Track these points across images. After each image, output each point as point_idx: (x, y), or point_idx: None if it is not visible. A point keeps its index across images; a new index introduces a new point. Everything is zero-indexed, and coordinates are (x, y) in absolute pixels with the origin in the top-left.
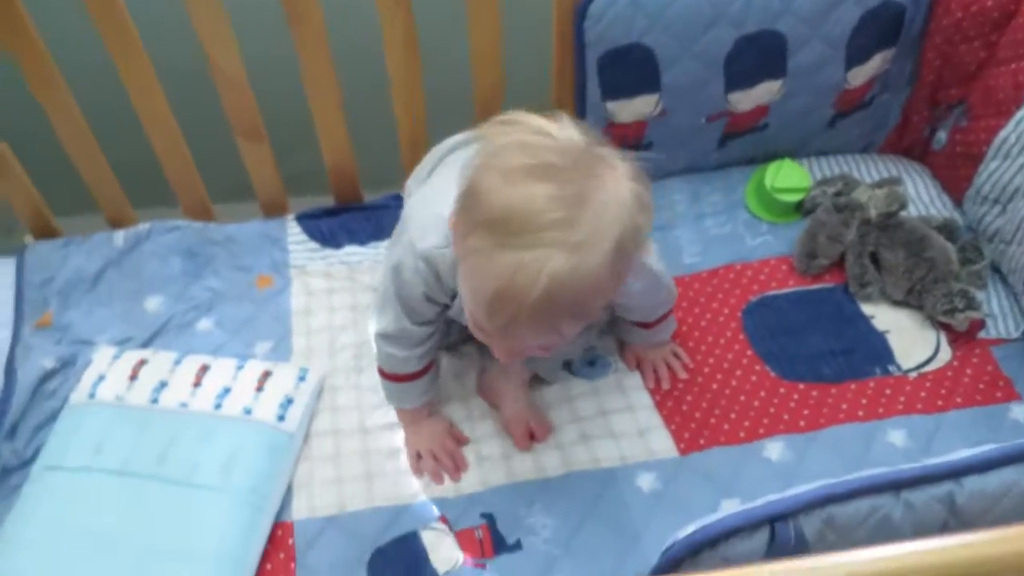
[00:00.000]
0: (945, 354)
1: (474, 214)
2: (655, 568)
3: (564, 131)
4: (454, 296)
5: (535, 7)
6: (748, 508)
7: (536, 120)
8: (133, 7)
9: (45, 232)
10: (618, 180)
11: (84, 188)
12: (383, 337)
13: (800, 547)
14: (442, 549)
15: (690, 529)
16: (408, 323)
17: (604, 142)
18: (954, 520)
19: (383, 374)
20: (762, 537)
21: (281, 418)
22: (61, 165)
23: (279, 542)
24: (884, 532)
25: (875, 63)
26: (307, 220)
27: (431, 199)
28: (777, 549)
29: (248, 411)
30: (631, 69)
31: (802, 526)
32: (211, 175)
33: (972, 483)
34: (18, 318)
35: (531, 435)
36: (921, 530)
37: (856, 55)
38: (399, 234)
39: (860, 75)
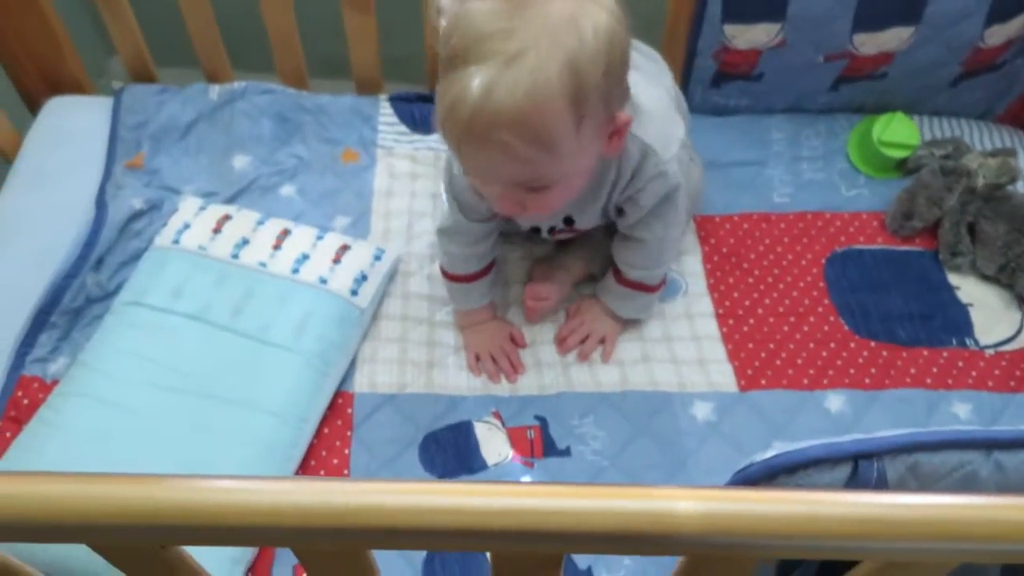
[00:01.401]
0: None
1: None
2: (727, 484)
3: None
4: None
5: None
6: (835, 441)
7: None
8: None
9: (143, 78)
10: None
11: (186, 40)
12: (443, 233)
13: (880, 488)
14: (493, 442)
15: (770, 453)
16: (462, 218)
17: None
18: None
19: (445, 274)
20: (843, 472)
21: (354, 292)
22: (168, 15)
23: (339, 409)
24: (968, 488)
25: (1017, 24)
26: (400, 103)
27: None
28: (857, 487)
29: (324, 280)
30: None
31: (886, 468)
32: (312, 47)
33: None
34: (111, 156)
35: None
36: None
37: (1000, 11)
38: None
39: (998, 34)
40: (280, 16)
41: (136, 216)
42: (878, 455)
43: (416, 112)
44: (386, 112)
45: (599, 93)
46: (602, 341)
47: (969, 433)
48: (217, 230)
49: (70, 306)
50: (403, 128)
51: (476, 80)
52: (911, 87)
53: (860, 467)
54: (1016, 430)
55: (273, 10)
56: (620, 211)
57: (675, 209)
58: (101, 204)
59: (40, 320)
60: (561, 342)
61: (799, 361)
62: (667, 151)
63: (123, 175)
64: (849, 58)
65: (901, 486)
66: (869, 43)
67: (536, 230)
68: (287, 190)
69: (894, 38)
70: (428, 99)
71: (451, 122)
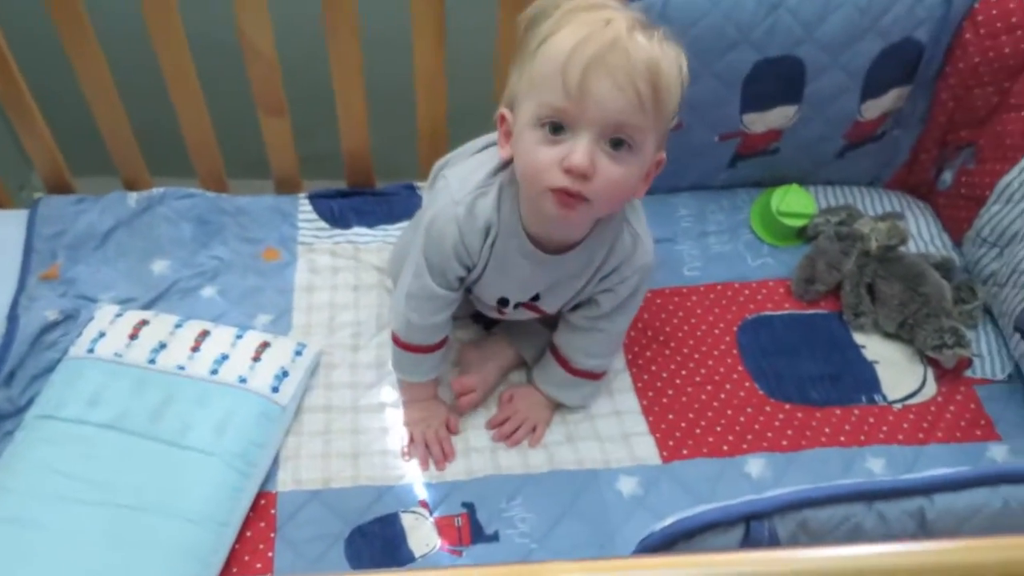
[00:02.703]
0: (930, 389)
1: (530, 43)
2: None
3: None
4: (473, 267)
5: None
6: (726, 504)
7: None
8: None
9: (60, 189)
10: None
11: (103, 150)
12: (410, 298)
13: (772, 547)
14: (421, 532)
15: (668, 521)
16: (431, 282)
17: None
18: (923, 535)
19: (397, 342)
20: (737, 534)
21: (275, 389)
22: (83, 125)
23: (262, 511)
24: (855, 540)
25: (890, 98)
26: (319, 199)
27: (473, 168)
28: (750, 547)
29: (243, 380)
30: None
31: (776, 527)
32: (230, 149)
33: (943, 500)
34: (25, 268)
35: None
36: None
37: (872, 88)
38: (425, 208)
39: (874, 108)
40: (196, 122)
41: (50, 327)
42: (768, 515)
43: (335, 207)
44: (305, 209)
45: (672, 114)
46: (534, 428)
47: (851, 486)
48: (134, 336)
49: None
50: (323, 224)
51: (619, 18)
52: (802, 160)
53: (752, 528)
54: (894, 480)
55: (189, 116)
56: (591, 302)
57: (639, 301)
58: (13, 317)
59: None
60: (495, 429)
61: (718, 428)
62: (650, 243)
63: (36, 287)
64: (742, 137)
65: (793, 543)
66: (758, 122)
67: (504, 302)
68: (208, 291)
69: (780, 116)
70: (346, 195)
71: (586, 45)
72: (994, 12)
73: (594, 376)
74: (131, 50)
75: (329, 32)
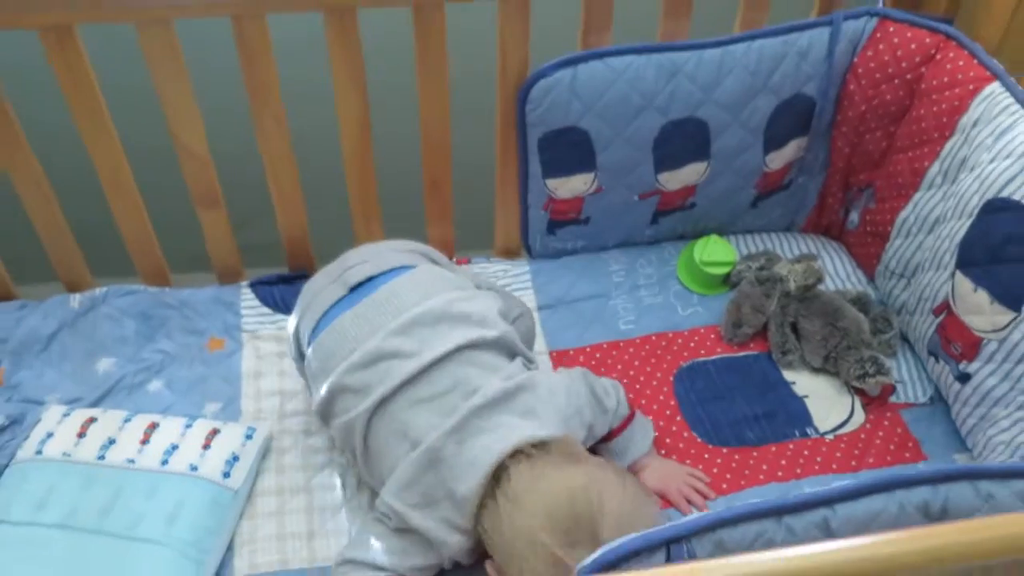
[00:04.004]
0: (859, 417)
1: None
2: None
3: None
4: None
5: (481, 91)
6: (647, 532)
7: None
8: (101, 76)
9: (2, 296)
10: None
11: (43, 256)
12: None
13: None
14: None
15: (597, 553)
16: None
17: None
18: None
19: None
20: (659, 558)
21: (226, 475)
22: (20, 232)
23: None
24: None
25: (791, 149)
26: (261, 287)
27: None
28: None
29: (194, 467)
30: (569, 149)
31: (695, 548)
32: (169, 245)
33: (844, 509)
34: None
35: None
36: None
37: (773, 141)
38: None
39: (778, 159)
40: (134, 220)
41: None
42: (686, 537)
43: (277, 294)
44: (247, 297)
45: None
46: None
47: (760, 504)
48: (82, 434)
49: None
50: (265, 310)
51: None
52: (719, 212)
53: (672, 551)
54: (799, 495)
55: (127, 215)
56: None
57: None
58: None
59: None
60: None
61: None
62: None
63: None
64: (659, 194)
65: None
66: (672, 180)
67: None
68: (155, 385)
69: (692, 173)
70: (288, 280)
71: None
72: (872, 64)
73: (625, 420)
74: (66, 154)
75: (257, 125)
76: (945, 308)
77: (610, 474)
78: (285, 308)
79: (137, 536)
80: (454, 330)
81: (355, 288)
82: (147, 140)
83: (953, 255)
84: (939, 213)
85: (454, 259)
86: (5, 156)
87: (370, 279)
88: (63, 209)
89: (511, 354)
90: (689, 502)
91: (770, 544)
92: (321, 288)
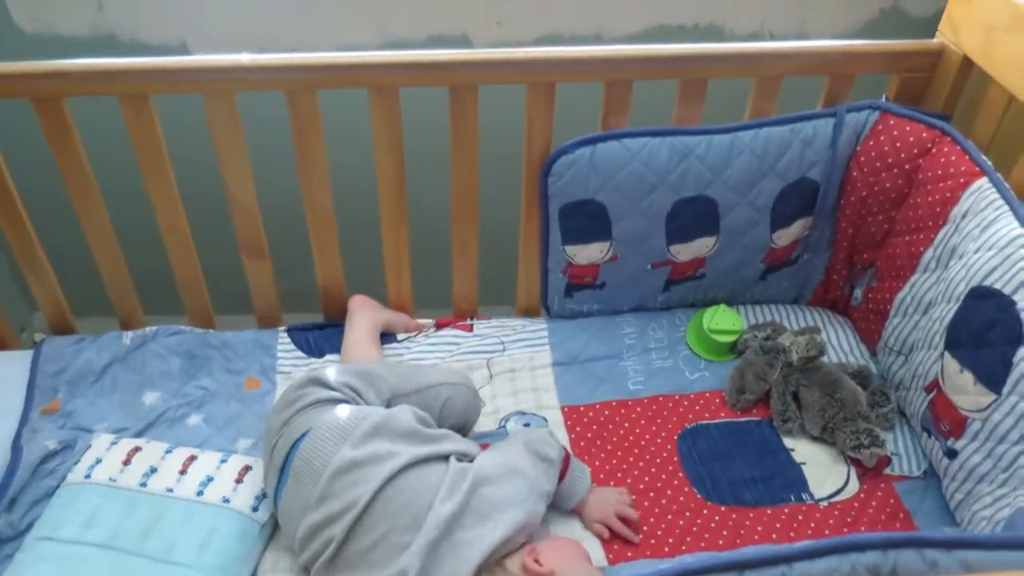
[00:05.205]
0: (854, 486)
1: None
2: None
3: None
4: None
5: (508, 163)
6: None
7: None
8: (169, 133)
9: (62, 329)
10: None
11: (101, 293)
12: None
13: None
14: None
15: None
16: None
17: None
18: None
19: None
20: None
21: (255, 508)
22: (84, 271)
23: None
24: None
25: (797, 228)
26: (296, 332)
27: None
28: None
29: (226, 500)
30: (587, 219)
31: None
32: (216, 287)
33: (801, 567)
34: (28, 402)
35: None
36: None
37: (779, 220)
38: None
39: (784, 236)
40: (186, 265)
41: (49, 456)
42: None
43: (311, 339)
44: (284, 341)
45: None
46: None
47: (724, 557)
48: (127, 462)
49: None
50: (300, 354)
51: None
52: (728, 283)
53: None
54: (760, 548)
55: (180, 261)
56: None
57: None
58: (16, 448)
59: None
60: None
61: (659, 532)
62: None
63: (39, 420)
64: (671, 265)
65: None
66: (683, 251)
67: None
68: (194, 419)
69: (702, 246)
70: (321, 327)
71: None
72: (873, 154)
73: (565, 462)
74: (130, 202)
75: (304, 187)
76: (935, 386)
77: None
78: (318, 352)
79: (172, 560)
80: (372, 471)
81: (282, 467)
82: (204, 191)
83: (943, 336)
84: (932, 296)
85: (472, 319)
86: (79, 201)
87: (289, 450)
88: (123, 252)
89: (443, 456)
90: (625, 521)
91: None
92: (265, 468)
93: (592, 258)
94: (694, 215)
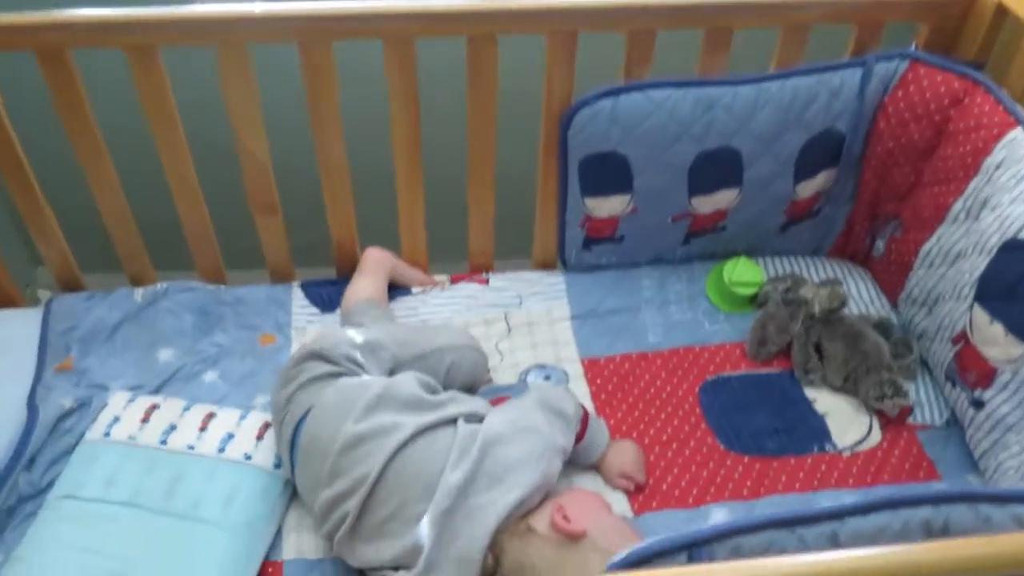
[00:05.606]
0: (876, 436)
1: None
2: None
3: None
4: None
5: (527, 115)
6: (671, 536)
7: None
8: (175, 85)
9: (70, 286)
10: None
11: (110, 248)
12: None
13: None
14: None
15: (624, 552)
16: None
17: None
18: None
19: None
20: (681, 560)
21: (277, 465)
22: (91, 226)
23: None
24: None
25: (820, 179)
26: (311, 287)
27: None
28: None
29: (248, 456)
30: (608, 172)
31: (714, 552)
32: (227, 243)
33: (853, 523)
34: (41, 361)
35: None
36: None
37: (803, 172)
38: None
39: (807, 188)
40: (196, 219)
41: (66, 415)
42: (707, 542)
43: (325, 294)
44: (298, 297)
45: None
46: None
47: (775, 515)
48: (145, 420)
49: (3, 506)
50: (314, 310)
51: None
52: (748, 236)
53: (693, 555)
54: (812, 508)
55: (189, 214)
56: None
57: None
58: (32, 407)
59: None
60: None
61: (683, 483)
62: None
63: (53, 378)
64: (692, 217)
65: None
66: (705, 204)
67: None
68: (210, 376)
69: (724, 199)
70: (335, 283)
71: None
72: (901, 104)
73: (584, 418)
74: (137, 155)
75: (317, 140)
76: (963, 338)
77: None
78: (332, 307)
79: (198, 517)
80: (378, 444)
81: (291, 445)
82: (214, 143)
83: (972, 288)
84: (961, 248)
85: (488, 273)
86: (83, 154)
87: (295, 429)
88: (131, 206)
89: (450, 420)
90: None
91: (782, 551)
92: (277, 439)
93: (613, 211)
94: (717, 167)
